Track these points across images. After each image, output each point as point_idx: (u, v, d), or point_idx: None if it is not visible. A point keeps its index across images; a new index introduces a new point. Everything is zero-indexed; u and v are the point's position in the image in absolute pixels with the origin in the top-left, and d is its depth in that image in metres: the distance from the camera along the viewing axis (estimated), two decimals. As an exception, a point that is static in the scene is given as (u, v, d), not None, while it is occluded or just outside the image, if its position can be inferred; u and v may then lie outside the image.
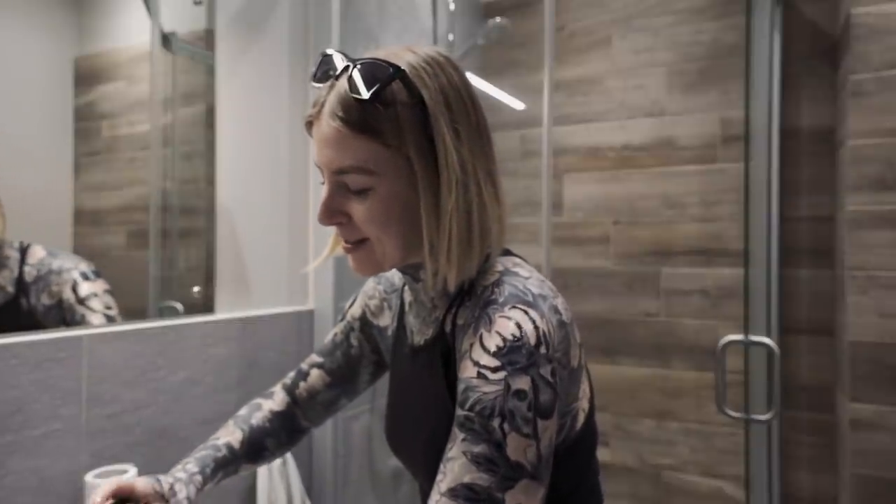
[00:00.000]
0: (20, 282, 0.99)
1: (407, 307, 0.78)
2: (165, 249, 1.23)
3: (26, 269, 0.99)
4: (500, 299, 0.60)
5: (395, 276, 0.86)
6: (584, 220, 2.14)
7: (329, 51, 0.65)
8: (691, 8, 1.99)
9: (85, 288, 1.05)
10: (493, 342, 0.58)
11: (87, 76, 1.08)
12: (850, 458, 1.43)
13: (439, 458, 0.59)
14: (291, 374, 0.90)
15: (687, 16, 1.99)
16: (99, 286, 1.08)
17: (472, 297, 0.65)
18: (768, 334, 1.57)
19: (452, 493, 0.55)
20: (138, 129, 1.17)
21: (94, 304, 1.06)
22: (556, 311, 0.61)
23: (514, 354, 0.56)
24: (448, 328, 0.67)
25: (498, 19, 2.03)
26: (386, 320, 0.84)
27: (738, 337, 1.58)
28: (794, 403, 1.81)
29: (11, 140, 0.98)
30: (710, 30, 1.96)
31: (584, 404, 0.67)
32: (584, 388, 0.67)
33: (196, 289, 1.28)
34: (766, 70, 1.61)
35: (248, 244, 1.38)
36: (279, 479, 1.33)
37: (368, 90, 0.59)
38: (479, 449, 0.55)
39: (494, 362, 0.57)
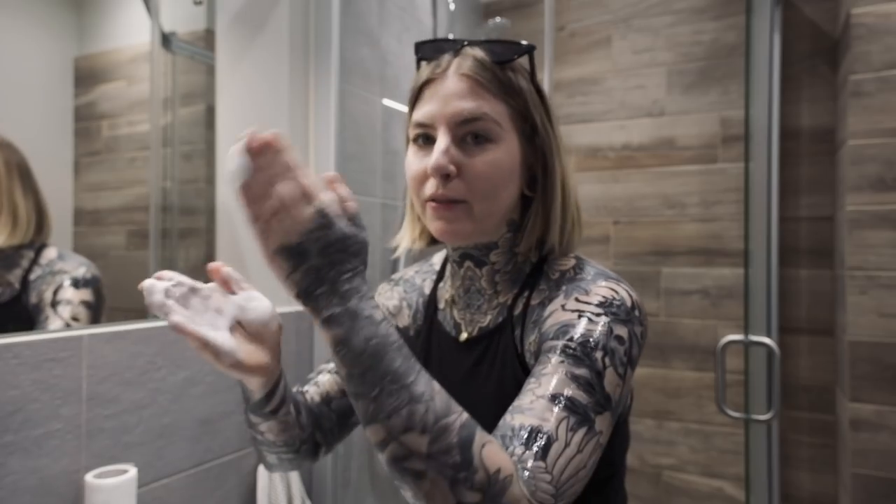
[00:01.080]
0: (25, 280, 0.99)
1: (442, 304, 0.79)
2: (165, 249, 1.23)
3: (35, 268, 1.00)
4: (589, 277, 0.66)
5: (415, 276, 0.86)
6: (585, 219, 2.13)
7: (440, 38, 0.71)
8: (691, 8, 1.99)
9: (64, 293, 1.04)
10: (593, 299, 0.63)
11: (87, 76, 1.08)
12: (850, 458, 1.43)
13: None
14: (298, 387, 0.84)
15: (687, 16, 1.99)
16: (80, 295, 1.06)
17: (547, 281, 0.69)
18: (768, 334, 1.57)
19: (553, 397, 0.56)
20: (138, 129, 1.17)
21: (62, 310, 1.04)
22: (632, 287, 0.66)
23: (614, 308, 0.62)
24: (518, 310, 0.69)
25: (498, 19, 2.03)
26: (405, 320, 0.84)
27: (738, 337, 1.58)
28: (794, 403, 1.81)
29: (12, 140, 0.98)
30: (710, 30, 1.96)
31: (631, 386, 0.73)
32: None
33: (196, 289, 1.28)
34: (766, 70, 1.61)
35: (248, 244, 1.38)
36: (279, 480, 1.33)
37: (505, 57, 0.66)
38: (580, 371, 0.58)
39: (597, 310, 0.62)
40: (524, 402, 0.57)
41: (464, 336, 0.75)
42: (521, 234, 0.70)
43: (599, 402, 0.57)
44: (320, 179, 0.53)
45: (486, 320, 0.73)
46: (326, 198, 0.52)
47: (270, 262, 0.53)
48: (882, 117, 1.41)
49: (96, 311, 1.08)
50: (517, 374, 0.67)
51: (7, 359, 0.91)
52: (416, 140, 0.69)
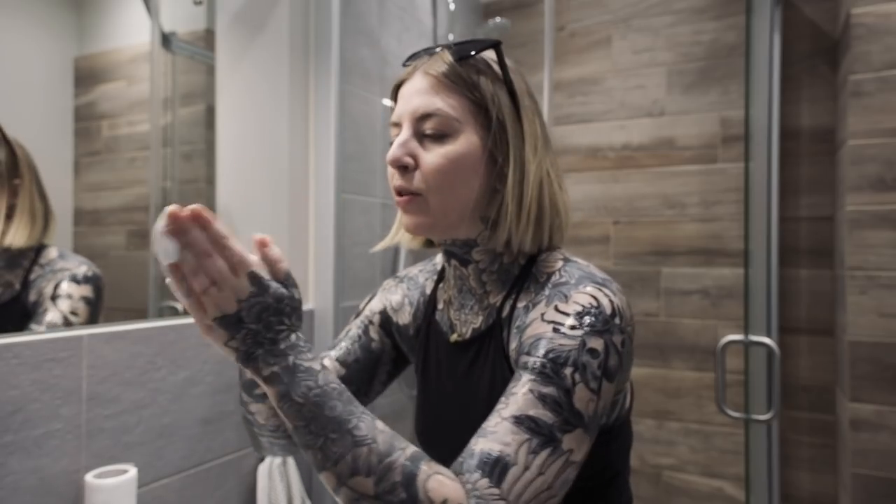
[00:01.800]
0: (26, 280, 0.99)
1: (441, 304, 0.79)
2: (165, 249, 1.23)
3: (35, 268, 1.00)
4: (573, 280, 0.64)
5: (419, 275, 0.85)
6: (585, 219, 2.14)
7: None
8: (691, 8, 1.99)
9: (65, 287, 1.04)
10: (571, 308, 0.61)
11: (87, 76, 1.08)
12: (850, 458, 1.43)
13: None
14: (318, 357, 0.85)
15: (687, 16, 1.99)
16: (80, 291, 1.06)
17: (534, 283, 0.68)
18: (768, 334, 1.57)
19: (516, 419, 0.56)
20: (138, 129, 1.17)
21: (62, 303, 1.04)
22: (622, 292, 0.64)
23: (590, 318, 0.60)
24: (505, 312, 0.69)
25: (498, 19, 2.03)
26: (406, 318, 0.83)
27: (738, 337, 1.58)
28: (794, 403, 1.81)
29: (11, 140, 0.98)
30: (710, 30, 1.96)
31: (629, 388, 0.72)
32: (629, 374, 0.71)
33: (196, 289, 1.28)
34: (766, 70, 1.61)
35: (248, 244, 1.38)
36: (279, 479, 1.33)
37: (465, 53, 0.67)
38: (547, 390, 0.57)
39: (571, 322, 0.60)
40: (489, 425, 0.57)
41: (454, 338, 0.75)
42: (494, 228, 0.69)
43: (568, 420, 0.56)
44: (249, 244, 0.55)
45: (479, 321, 0.73)
46: (257, 264, 0.54)
47: (207, 332, 0.55)
48: (882, 117, 1.41)
49: (95, 308, 1.08)
50: (506, 377, 0.66)
51: (7, 359, 0.91)
52: (390, 141, 0.71)
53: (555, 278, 0.66)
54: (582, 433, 0.57)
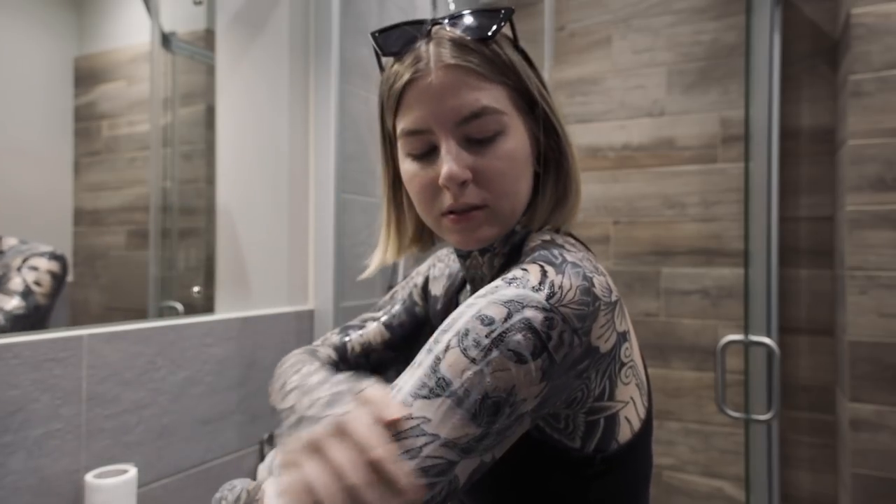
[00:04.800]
0: None
1: (468, 285, 0.72)
2: (165, 249, 1.23)
3: None
4: (530, 256, 0.55)
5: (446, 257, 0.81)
6: (584, 219, 2.14)
7: (400, 23, 0.60)
8: (691, 8, 1.99)
9: (32, 261, 1.02)
10: (493, 284, 0.52)
11: (87, 76, 1.08)
12: (850, 458, 1.43)
13: None
14: (335, 331, 0.79)
15: (687, 16, 1.99)
16: (48, 265, 1.04)
17: (515, 261, 0.61)
18: (768, 334, 1.57)
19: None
20: (138, 129, 1.17)
21: (27, 273, 1.02)
22: (584, 278, 0.51)
23: (503, 287, 0.50)
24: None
25: (498, 19, 2.03)
26: (438, 289, 0.78)
27: (738, 337, 1.58)
28: (794, 403, 1.81)
29: (11, 140, 0.98)
30: (710, 30, 1.96)
31: (629, 413, 0.58)
32: (630, 395, 0.58)
33: (196, 289, 1.28)
34: (766, 70, 1.61)
35: (248, 244, 1.38)
36: (279, 479, 1.33)
37: (487, 31, 0.57)
38: (421, 357, 0.50)
39: (483, 292, 0.51)
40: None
41: None
42: (533, 211, 0.63)
43: (432, 389, 0.46)
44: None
45: None
46: None
47: None
48: (882, 117, 1.41)
49: (59, 284, 1.05)
50: None
51: (7, 359, 0.91)
52: (411, 153, 0.60)
53: (525, 255, 0.58)
54: (448, 404, 0.45)
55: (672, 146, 2.02)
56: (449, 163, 0.56)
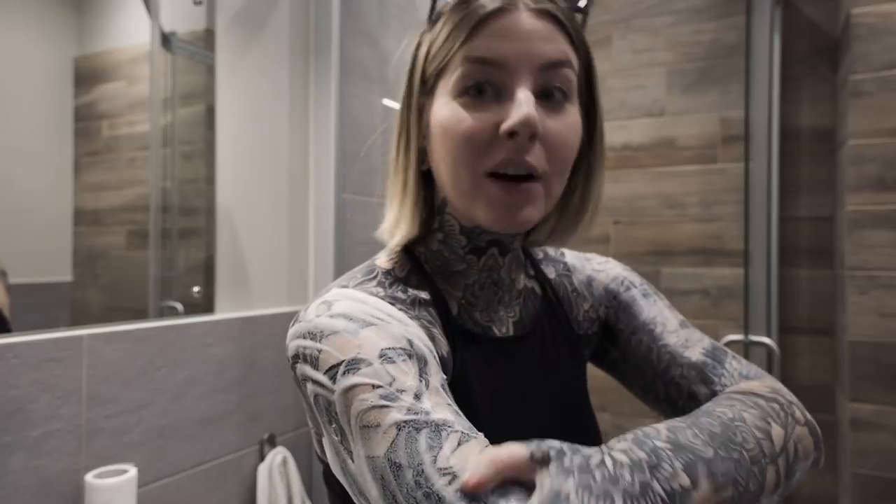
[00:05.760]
0: None
1: (457, 310, 0.58)
2: (165, 249, 1.23)
3: None
4: (562, 248, 0.72)
5: (396, 290, 0.55)
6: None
7: None
8: (691, 8, 1.99)
9: None
10: (597, 259, 0.75)
11: (87, 76, 1.08)
12: (850, 458, 1.43)
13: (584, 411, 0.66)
14: None
15: (687, 16, 1.99)
16: None
17: (533, 257, 0.69)
18: (768, 334, 1.57)
19: (682, 323, 0.66)
20: (138, 129, 1.17)
21: None
22: None
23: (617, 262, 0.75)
24: (551, 293, 0.67)
25: (498, 19, 2.03)
26: (440, 345, 0.55)
27: (739, 337, 1.58)
28: (794, 403, 1.81)
29: (11, 140, 0.98)
30: (710, 30, 1.96)
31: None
32: None
33: (196, 289, 1.28)
34: (766, 70, 1.61)
35: (248, 244, 1.38)
36: (279, 479, 1.33)
37: (581, 3, 0.54)
38: (664, 301, 0.70)
39: (611, 262, 0.75)
40: (679, 342, 0.63)
41: (510, 331, 0.60)
42: (560, 212, 0.60)
43: (683, 321, 0.67)
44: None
45: (516, 312, 0.61)
46: None
47: None
48: (882, 117, 1.41)
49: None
50: (579, 351, 0.66)
51: (7, 359, 0.91)
52: (466, 87, 0.50)
53: (549, 251, 0.72)
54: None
55: (672, 146, 2.01)
56: (527, 106, 0.47)
